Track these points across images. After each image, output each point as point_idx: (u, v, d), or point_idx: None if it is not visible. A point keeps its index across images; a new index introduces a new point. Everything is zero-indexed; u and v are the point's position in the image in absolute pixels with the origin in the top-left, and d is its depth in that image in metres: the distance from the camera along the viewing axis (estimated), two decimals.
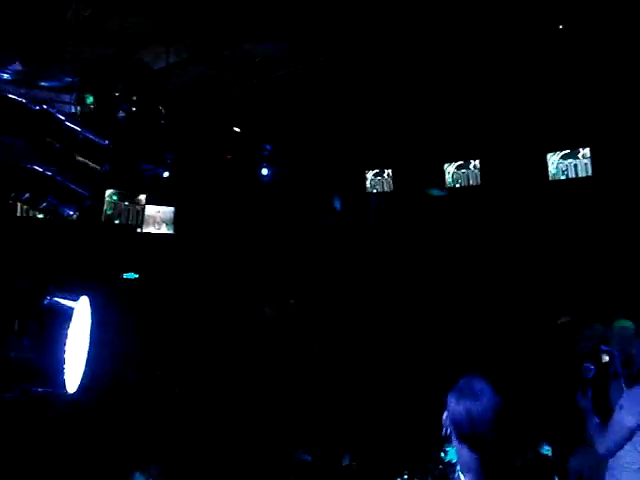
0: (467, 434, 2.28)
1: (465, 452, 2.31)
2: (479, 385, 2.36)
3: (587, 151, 10.38)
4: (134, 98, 12.16)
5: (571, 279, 10.38)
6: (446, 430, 2.39)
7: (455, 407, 2.34)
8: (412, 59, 9.65)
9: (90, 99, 11.97)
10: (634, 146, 9.65)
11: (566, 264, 10.66)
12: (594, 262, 10.30)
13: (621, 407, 3.96)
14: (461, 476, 2.31)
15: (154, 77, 11.55)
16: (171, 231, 14.47)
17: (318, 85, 10.71)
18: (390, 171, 13.53)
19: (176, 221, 14.42)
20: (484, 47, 9.08)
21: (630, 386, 4.21)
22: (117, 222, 13.48)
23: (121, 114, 12.05)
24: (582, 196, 10.62)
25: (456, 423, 2.33)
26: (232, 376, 10.42)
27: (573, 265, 10.57)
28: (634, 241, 9.65)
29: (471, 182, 12.16)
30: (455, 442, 2.35)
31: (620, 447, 3.95)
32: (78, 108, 11.20)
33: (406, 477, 6.84)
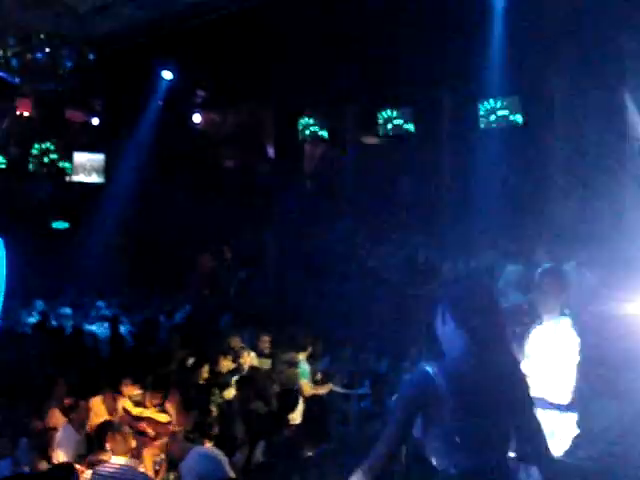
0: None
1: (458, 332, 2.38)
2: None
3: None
4: (59, 42, 11.66)
5: None
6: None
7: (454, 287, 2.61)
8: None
9: (12, 40, 11.43)
10: None
11: None
12: None
13: None
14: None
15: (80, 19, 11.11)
16: (102, 179, 14.14)
17: (250, 31, 10.51)
18: (323, 117, 13.42)
19: (107, 169, 14.08)
20: None
21: None
22: (46, 171, 13.06)
23: (43, 57, 11.57)
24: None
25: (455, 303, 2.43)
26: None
27: None
28: None
29: (404, 129, 12.22)
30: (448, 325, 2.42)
31: None
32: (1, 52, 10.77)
33: None
